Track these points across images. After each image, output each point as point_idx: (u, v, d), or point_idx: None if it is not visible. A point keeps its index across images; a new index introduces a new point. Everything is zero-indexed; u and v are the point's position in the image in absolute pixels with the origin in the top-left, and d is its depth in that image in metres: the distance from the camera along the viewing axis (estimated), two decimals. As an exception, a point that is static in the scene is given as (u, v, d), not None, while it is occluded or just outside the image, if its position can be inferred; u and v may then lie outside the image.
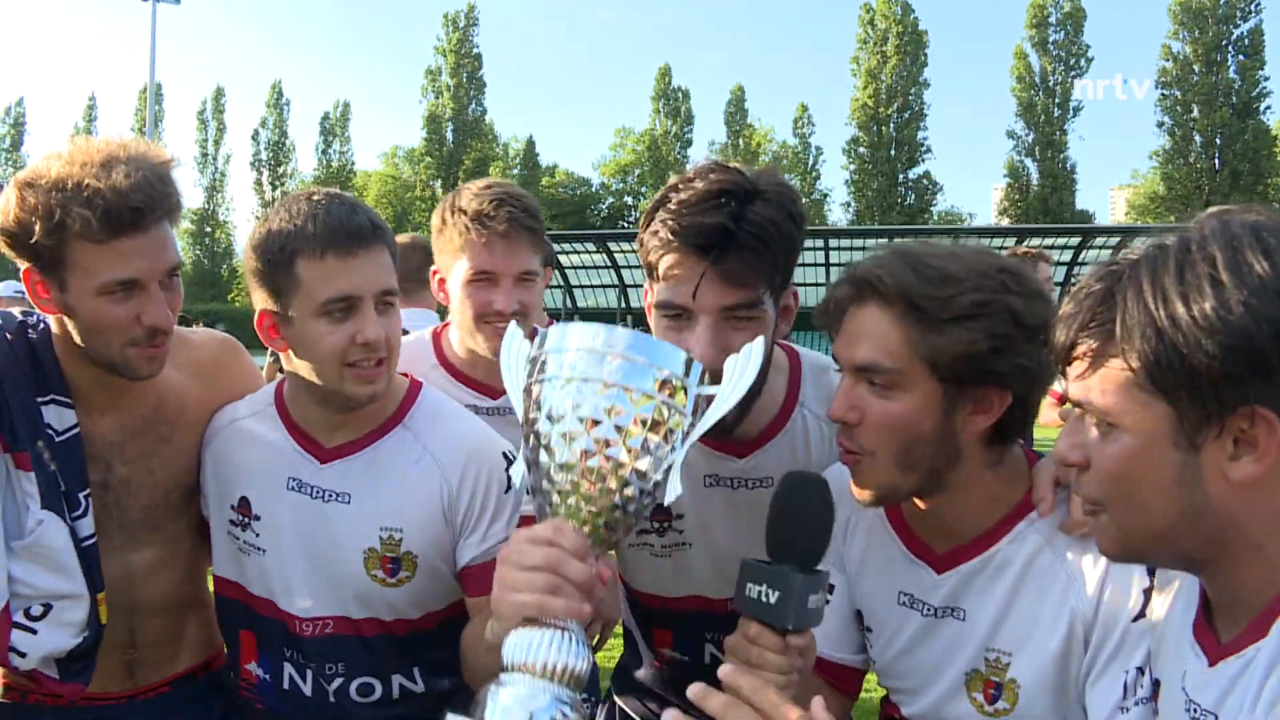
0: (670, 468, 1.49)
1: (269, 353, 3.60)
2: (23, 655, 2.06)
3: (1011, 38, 78.31)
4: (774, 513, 1.58)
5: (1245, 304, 1.12)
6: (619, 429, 1.44)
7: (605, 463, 1.44)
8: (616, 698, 2.47)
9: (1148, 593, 1.63)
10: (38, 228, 1.96)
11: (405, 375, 2.30)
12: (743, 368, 1.52)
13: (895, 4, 63.42)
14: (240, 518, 2.25)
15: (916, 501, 1.84)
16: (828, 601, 1.63)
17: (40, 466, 2.06)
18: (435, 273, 2.76)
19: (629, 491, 1.46)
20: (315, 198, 2.10)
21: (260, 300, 2.13)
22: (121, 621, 2.24)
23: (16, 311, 2.25)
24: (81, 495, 2.11)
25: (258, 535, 2.22)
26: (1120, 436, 1.26)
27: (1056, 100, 61.95)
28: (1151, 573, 1.64)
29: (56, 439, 2.11)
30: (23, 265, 2.07)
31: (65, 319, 2.09)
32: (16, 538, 2.05)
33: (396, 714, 2.23)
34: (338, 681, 2.20)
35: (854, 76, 65.23)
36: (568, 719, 1.40)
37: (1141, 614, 1.64)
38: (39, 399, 2.10)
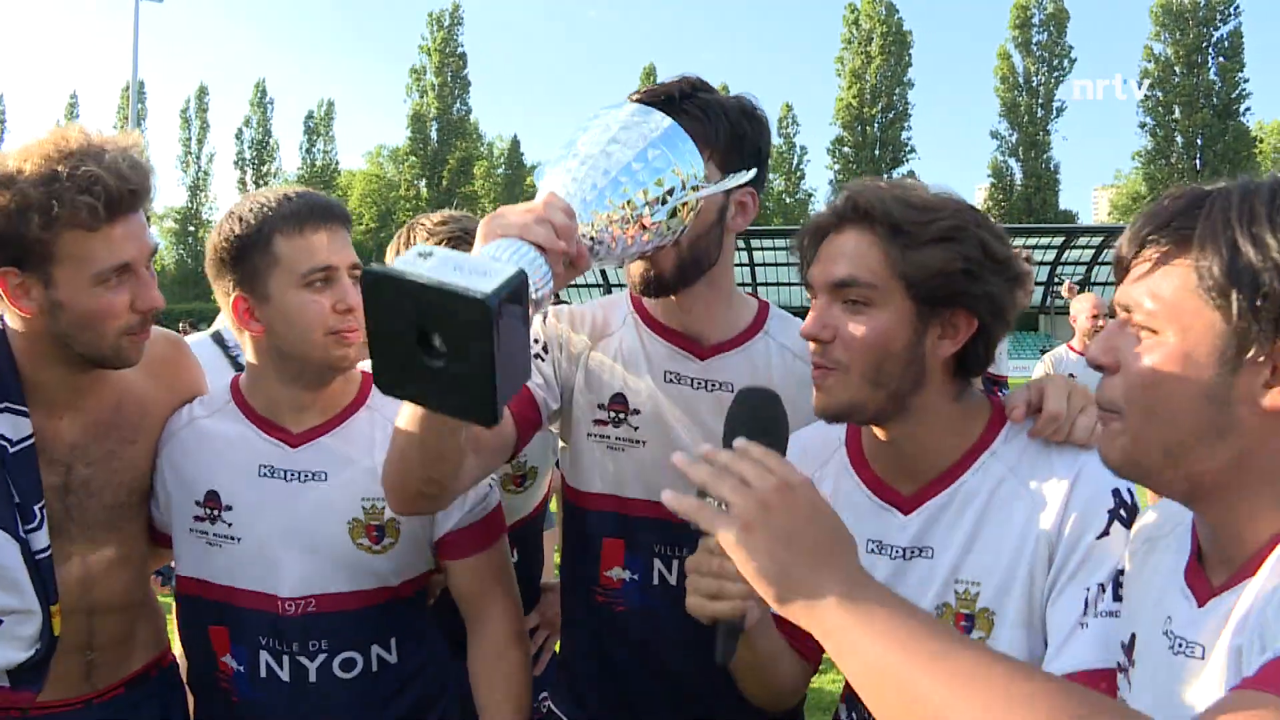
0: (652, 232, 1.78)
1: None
2: None
3: (995, 38, 78.65)
4: (730, 424, 1.64)
5: None
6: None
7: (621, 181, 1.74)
8: (549, 698, 2.42)
9: (1111, 514, 1.68)
10: (31, 223, 1.92)
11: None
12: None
13: (880, 4, 63.70)
14: (208, 511, 2.26)
15: (878, 433, 1.89)
16: None
17: None
18: None
19: (626, 210, 1.73)
20: (280, 190, 2.23)
21: (230, 289, 2.19)
22: (80, 624, 2.21)
23: None
24: (36, 508, 2.05)
25: (229, 525, 2.24)
26: (1162, 341, 1.27)
27: (1040, 101, 62.31)
28: (1130, 516, 1.68)
29: (10, 449, 2.04)
30: (1, 269, 1.99)
31: (42, 320, 2.02)
32: None
33: (372, 688, 2.28)
34: (321, 658, 2.23)
35: (838, 76, 65.51)
36: (543, 276, 1.53)
37: (1105, 533, 1.68)
38: None
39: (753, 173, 2.04)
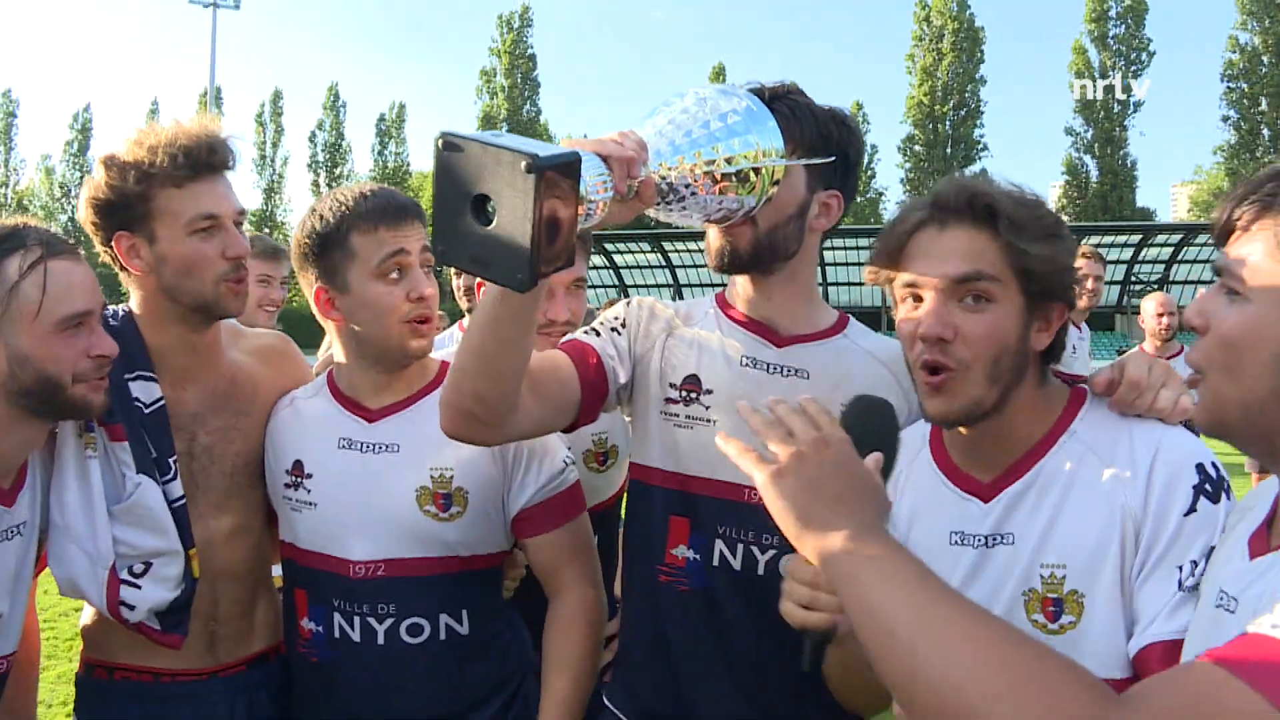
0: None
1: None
2: (131, 608, 2.28)
3: (1070, 33, 77.09)
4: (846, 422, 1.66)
5: None
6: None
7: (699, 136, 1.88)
8: (607, 700, 2.41)
9: (1196, 489, 1.66)
10: (130, 180, 2.26)
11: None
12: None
13: (951, 1, 62.78)
14: (294, 479, 2.47)
15: (962, 430, 1.89)
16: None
17: (132, 436, 2.29)
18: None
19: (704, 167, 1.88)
20: (359, 187, 2.43)
21: (313, 281, 2.40)
22: (205, 590, 2.41)
23: None
24: (170, 460, 2.34)
25: (309, 492, 2.44)
26: (1245, 303, 1.27)
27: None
28: (1224, 494, 1.68)
29: (145, 410, 2.33)
30: (113, 238, 2.32)
31: (152, 278, 2.34)
32: (115, 501, 2.27)
33: (441, 657, 2.38)
34: (389, 622, 2.37)
35: (909, 74, 64.71)
36: (601, 179, 1.65)
37: (1192, 508, 1.65)
38: (126, 376, 2.31)
39: (832, 160, 2.11)
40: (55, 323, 2.08)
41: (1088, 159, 62.11)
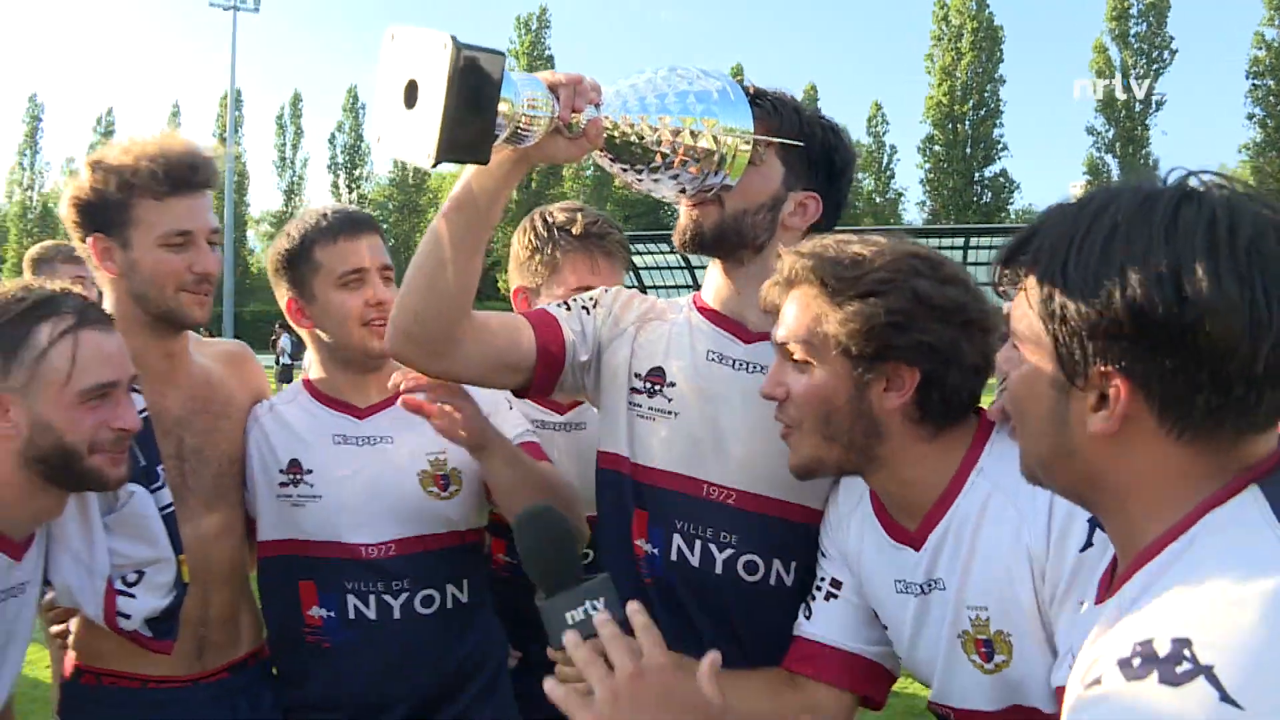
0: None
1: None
2: (128, 617, 2.31)
3: (1090, 31, 76.67)
4: (530, 560, 1.78)
5: (1121, 278, 1.11)
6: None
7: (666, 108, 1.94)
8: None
9: (1092, 523, 1.64)
10: (112, 186, 2.35)
11: None
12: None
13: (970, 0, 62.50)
14: (291, 476, 2.59)
15: (868, 481, 1.93)
16: (604, 607, 1.73)
17: None
18: (517, 292, 2.98)
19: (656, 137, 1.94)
20: (319, 209, 2.66)
21: (285, 293, 2.63)
22: (196, 594, 2.47)
23: None
24: (158, 469, 2.37)
25: (311, 486, 2.58)
26: (1022, 360, 1.27)
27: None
28: None
29: None
30: (90, 237, 2.41)
31: (123, 282, 2.42)
32: (108, 512, 2.30)
33: (448, 624, 2.58)
34: (404, 596, 2.54)
35: (928, 74, 64.48)
36: (541, 99, 1.76)
37: (1088, 543, 1.65)
38: None
39: (799, 145, 2.13)
40: (80, 393, 2.07)
41: (1109, 158, 61.69)
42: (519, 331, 2.19)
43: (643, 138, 1.94)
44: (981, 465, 1.83)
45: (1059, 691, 1.59)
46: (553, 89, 1.81)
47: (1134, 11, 60.26)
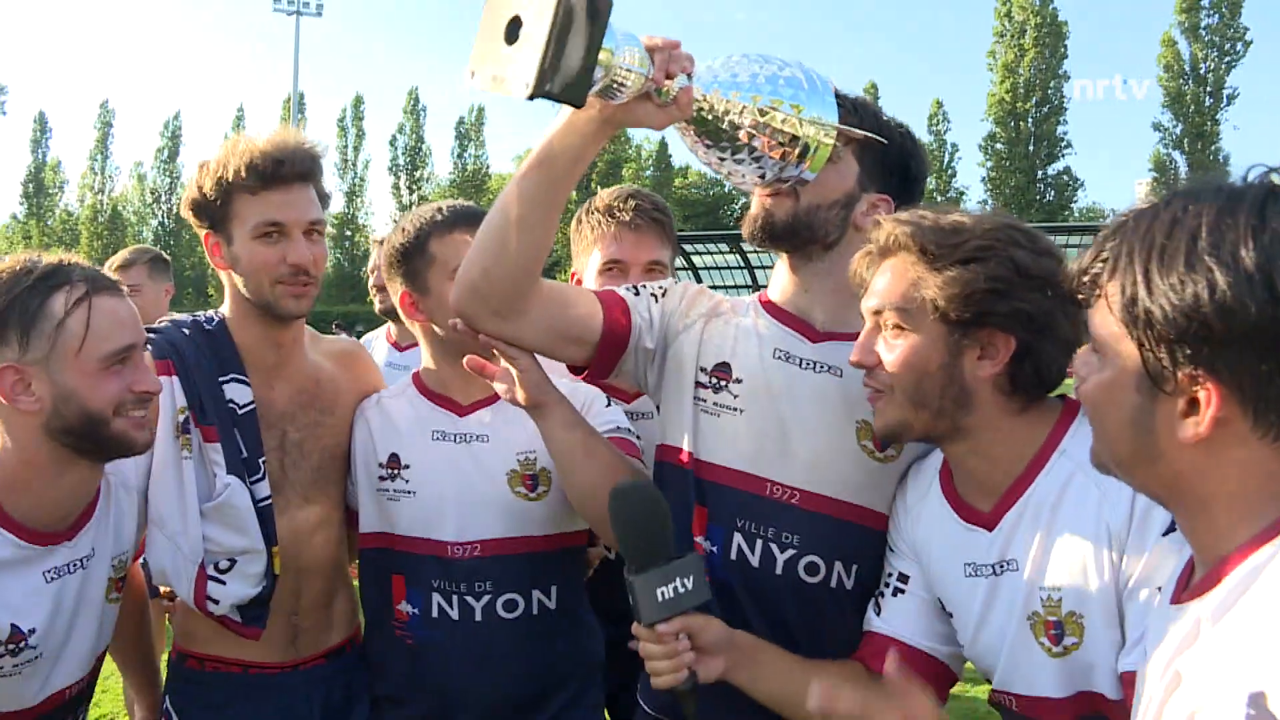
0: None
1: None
2: (216, 602, 2.42)
3: (1158, 25, 75.02)
4: (610, 524, 1.85)
5: (1209, 279, 1.10)
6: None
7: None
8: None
9: None
10: (209, 185, 2.46)
11: None
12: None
13: (1034, -6, 61.48)
14: (389, 471, 2.62)
15: (948, 453, 1.94)
16: (694, 586, 1.87)
17: (225, 437, 2.42)
18: (573, 275, 3.09)
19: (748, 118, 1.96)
20: (434, 204, 2.68)
21: (399, 287, 2.63)
22: (289, 584, 2.56)
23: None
24: (260, 461, 2.47)
25: (407, 481, 2.59)
26: (1104, 366, 1.26)
27: (1208, 89, 59.11)
28: None
29: (239, 412, 2.47)
30: (204, 233, 2.56)
31: (232, 276, 2.54)
32: (206, 500, 2.40)
33: (534, 631, 2.54)
34: (485, 599, 2.52)
35: (990, 71, 63.52)
36: (638, 57, 1.79)
37: (1171, 528, 1.62)
38: (220, 379, 2.47)
39: (883, 142, 2.15)
40: (99, 359, 2.11)
41: (1177, 155, 60.32)
42: (588, 306, 2.20)
43: (728, 113, 1.95)
44: (1064, 447, 1.83)
45: (1126, 677, 1.58)
46: (649, 51, 1.82)
47: (1205, 4, 58.86)
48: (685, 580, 1.80)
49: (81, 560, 2.28)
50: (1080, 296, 1.31)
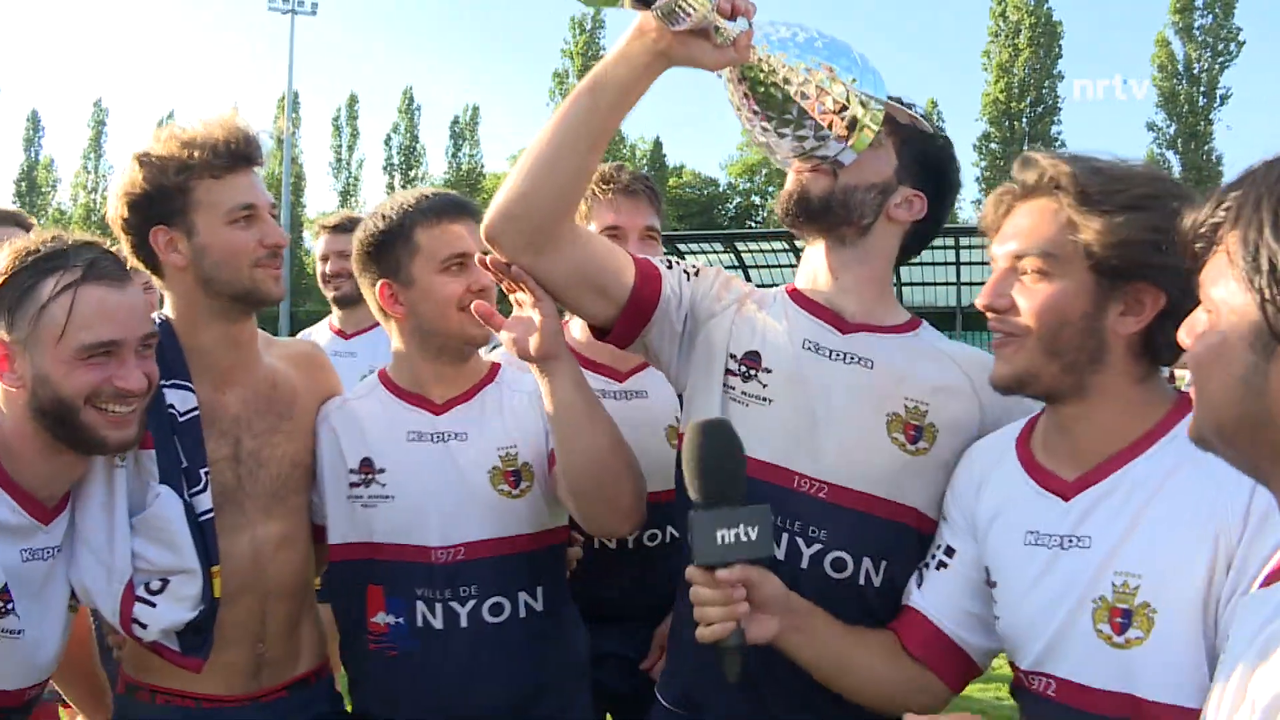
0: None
1: None
2: (144, 627, 2.25)
3: (1153, 25, 75.11)
4: (679, 460, 1.81)
5: None
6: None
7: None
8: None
9: None
10: (170, 174, 2.31)
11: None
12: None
13: (1028, -6, 61.51)
14: (363, 477, 2.51)
15: (1053, 417, 1.86)
16: (758, 537, 1.83)
17: (160, 444, 2.27)
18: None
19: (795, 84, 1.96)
20: (418, 190, 2.56)
21: (375, 279, 2.51)
22: (253, 608, 2.41)
23: None
24: (202, 471, 2.32)
25: (384, 486, 2.49)
26: (1212, 324, 1.20)
27: (1202, 89, 59.17)
28: None
29: (179, 419, 2.32)
30: (152, 231, 2.36)
31: (189, 272, 2.36)
32: (137, 510, 2.25)
33: (521, 635, 2.45)
34: (471, 604, 2.43)
35: (985, 70, 63.53)
36: None
37: None
38: (162, 383, 2.29)
39: (929, 129, 2.16)
40: (76, 349, 2.06)
41: (1170, 155, 60.35)
42: (621, 262, 2.17)
43: (783, 70, 1.95)
44: (1176, 434, 1.75)
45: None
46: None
47: (1199, 4, 58.91)
48: (750, 529, 1.75)
49: (52, 549, 2.21)
50: (1197, 248, 1.24)
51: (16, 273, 2.08)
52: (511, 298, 2.24)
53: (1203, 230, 1.22)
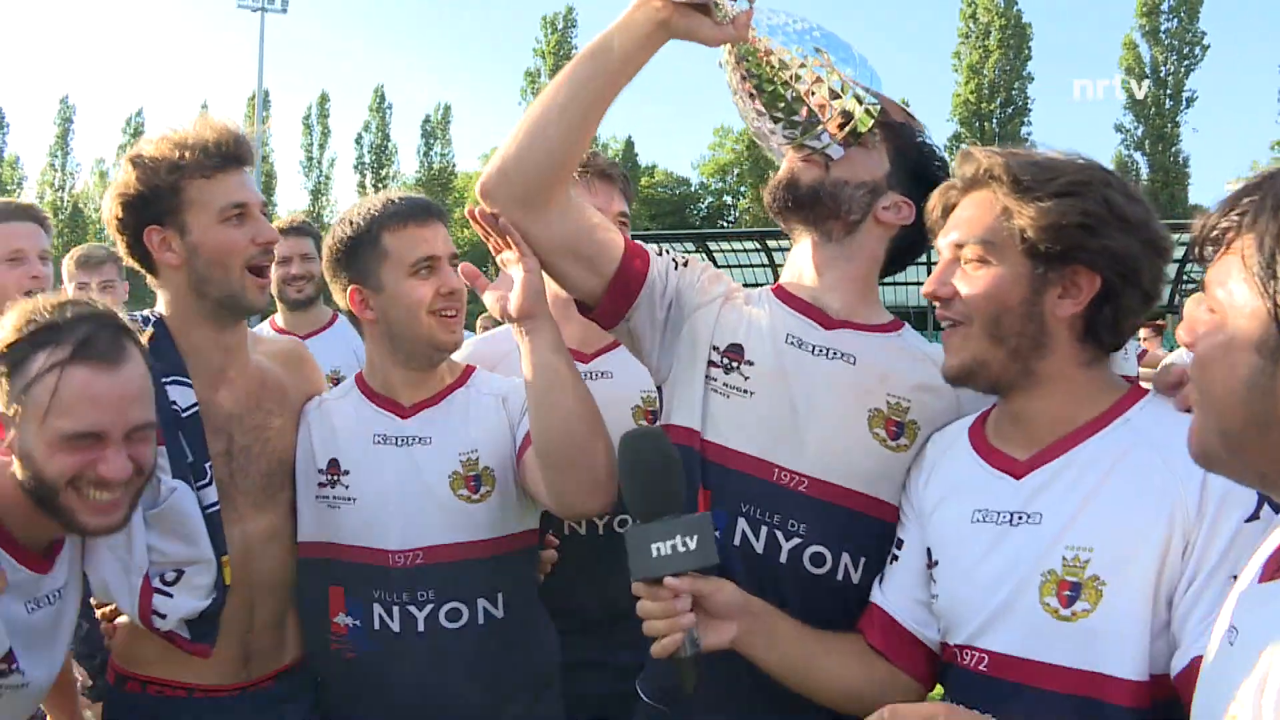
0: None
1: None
2: (163, 617, 2.30)
3: (1120, 28, 75.72)
4: (630, 484, 1.82)
5: None
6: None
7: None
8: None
9: (1262, 495, 1.56)
10: (162, 174, 2.34)
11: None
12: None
13: (998, -4, 61.97)
14: (330, 477, 2.55)
15: (1009, 403, 1.89)
16: (697, 547, 1.83)
17: (169, 440, 2.31)
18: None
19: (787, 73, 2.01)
20: (384, 194, 2.59)
21: (345, 284, 2.54)
22: (243, 601, 2.45)
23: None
24: (206, 466, 2.37)
25: (347, 488, 2.52)
26: (1217, 324, 1.20)
27: (1168, 91, 59.79)
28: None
29: (182, 415, 2.36)
30: (145, 231, 2.40)
31: (183, 272, 2.40)
32: (150, 506, 2.27)
33: (480, 642, 2.44)
34: (428, 609, 2.43)
35: (955, 72, 63.95)
36: None
37: (1254, 515, 1.58)
38: (163, 380, 2.32)
39: (922, 128, 2.21)
40: (56, 435, 1.97)
41: (1138, 156, 60.96)
42: (612, 236, 2.19)
43: (781, 54, 1.99)
44: (1130, 417, 1.80)
45: (1194, 663, 1.51)
46: None
47: (1165, 7, 59.52)
48: (688, 539, 1.74)
49: (57, 592, 2.19)
50: (1207, 249, 1.25)
51: (14, 343, 2.01)
52: (498, 258, 2.24)
53: (1214, 233, 1.22)
